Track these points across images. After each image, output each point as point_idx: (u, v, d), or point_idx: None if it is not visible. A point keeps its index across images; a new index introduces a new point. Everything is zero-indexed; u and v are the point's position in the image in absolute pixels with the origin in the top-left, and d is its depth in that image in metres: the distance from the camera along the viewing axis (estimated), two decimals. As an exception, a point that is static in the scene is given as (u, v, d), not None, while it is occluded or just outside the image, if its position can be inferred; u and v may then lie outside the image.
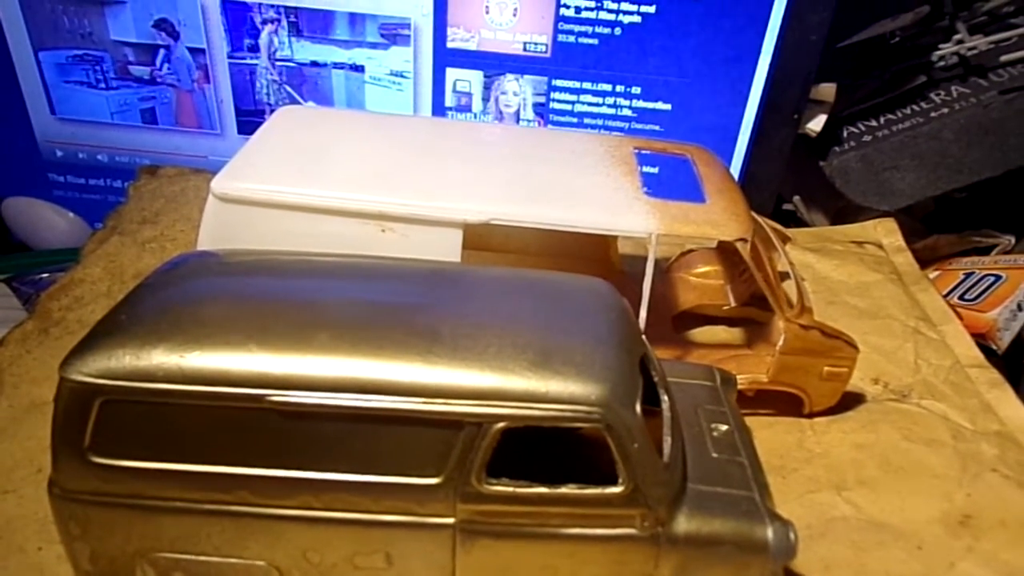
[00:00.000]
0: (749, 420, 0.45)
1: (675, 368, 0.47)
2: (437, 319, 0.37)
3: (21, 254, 0.81)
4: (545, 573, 0.37)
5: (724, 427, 0.43)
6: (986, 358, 0.62)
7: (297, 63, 0.77)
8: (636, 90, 0.77)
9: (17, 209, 0.83)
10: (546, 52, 0.75)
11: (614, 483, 0.36)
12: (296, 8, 0.74)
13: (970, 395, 0.58)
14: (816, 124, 0.80)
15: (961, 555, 0.45)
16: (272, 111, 0.66)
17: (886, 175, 0.80)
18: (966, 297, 0.74)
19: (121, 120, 0.80)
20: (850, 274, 0.72)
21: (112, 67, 0.77)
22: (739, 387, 0.50)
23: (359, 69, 0.77)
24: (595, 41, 0.74)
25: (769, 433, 0.53)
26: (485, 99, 0.78)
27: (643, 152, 0.58)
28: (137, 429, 0.35)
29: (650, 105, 0.77)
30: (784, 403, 0.55)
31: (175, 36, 0.75)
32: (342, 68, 0.77)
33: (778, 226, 0.69)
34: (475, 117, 0.79)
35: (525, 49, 0.75)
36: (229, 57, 0.77)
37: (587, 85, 0.77)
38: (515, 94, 0.77)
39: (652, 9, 0.72)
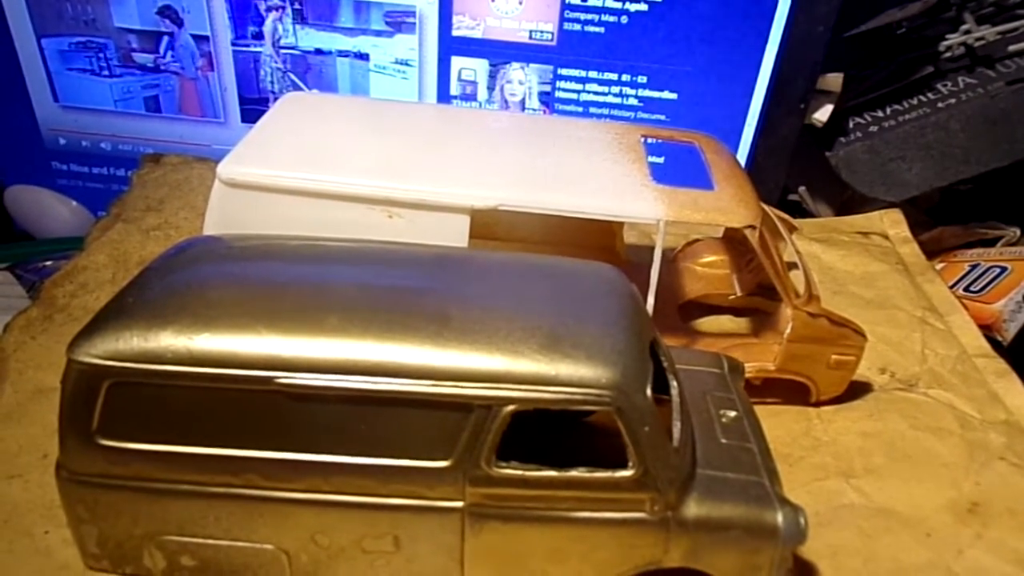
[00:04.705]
0: (756, 409, 0.44)
1: (683, 355, 0.47)
2: (446, 302, 0.37)
3: (24, 242, 0.81)
4: (554, 557, 0.37)
5: (733, 413, 0.43)
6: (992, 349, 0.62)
7: (301, 51, 0.76)
8: (642, 79, 0.76)
9: (20, 197, 0.83)
10: (552, 40, 0.75)
11: (624, 467, 0.35)
12: (301, -5, 0.73)
13: (977, 385, 0.58)
14: (822, 114, 0.80)
15: (969, 542, 0.45)
16: (276, 99, 0.66)
17: (892, 166, 0.80)
18: (971, 289, 0.74)
19: (124, 108, 0.79)
20: (856, 264, 0.72)
21: (116, 54, 0.77)
22: (746, 375, 0.50)
23: (364, 57, 0.76)
24: (601, 29, 0.74)
25: (776, 421, 0.53)
26: (490, 88, 0.77)
27: (650, 140, 0.58)
28: (145, 411, 0.35)
29: (656, 94, 0.77)
30: (791, 392, 0.55)
31: (179, 23, 0.75)
32: (347, 56, 0.76)
33: (785, 215, 0.69)
34: (480, 106, 0.78)
35: (531, 37, 0.75)
36: (233, 44, 0.76)
37: (593, 74, 0.76)
38: (520, 83, 0.77)
39: (658, -3, 0.72)
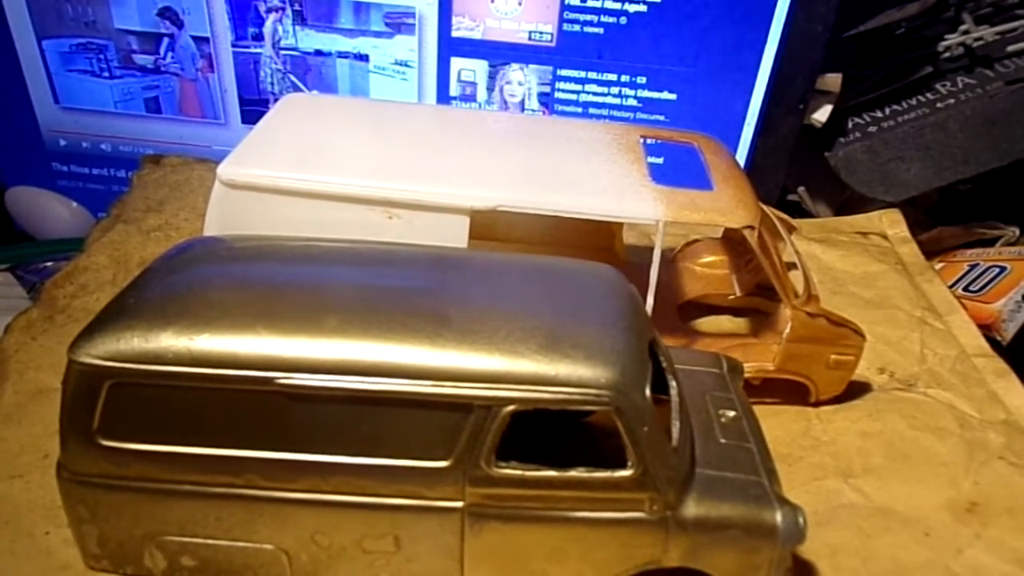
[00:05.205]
0: (755, 409, 0.45)
1: (682, 355, 0.47)
2: (446, 303, 0.37)
3: (25, 243, 0.81)
4: (554, 557, 0.37)
5: (732, 413, 0.43)
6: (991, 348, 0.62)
7: (301, 52, 0.77)
8: (641, 80, 0.76)
9: (21, 199, 0.83)
10: (551, 41, 0.75)
11: (623, 467, 0.36)
12: (300, -3, 0.74)
13: (976, 384, 0.58)
14: (821, 115, 0.80)
15: (968, 541, 0.45)
16: (276, 100, 0.66)
17: (891, 166, 0.80)
18: (971, 288, 0.74)
19: (125, 109, 0.79)
20: (855, 264, 0.72)
21: (116, 56, 0.77)
22: (745, 375, 0.50)
23: (363, 58, 0.77)
24: (600, 30, 0.74)
25: (775, 421, 0.53)
26: (490, 89, 0.78)
27: (649, 140, 0.58)
28: (146, 412, 0.35)
29: (655, 95, 0.77)
30: (790, 392, 0.55)
31: (179, 24, 0.75)
32: (346, 57, 0.77)
33: (784, 216, 0.69)
34: (479, 107, 0.78)
35: (530, 38, 0.75)
36: (233, 46, 0.76)
37: (592, 75, 0.76)
38: (520, 84, 0.77)
39: (658, -2, 0.72)
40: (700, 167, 0.56)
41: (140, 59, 0.77)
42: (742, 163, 0.79)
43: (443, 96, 0.78)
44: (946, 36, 0.84)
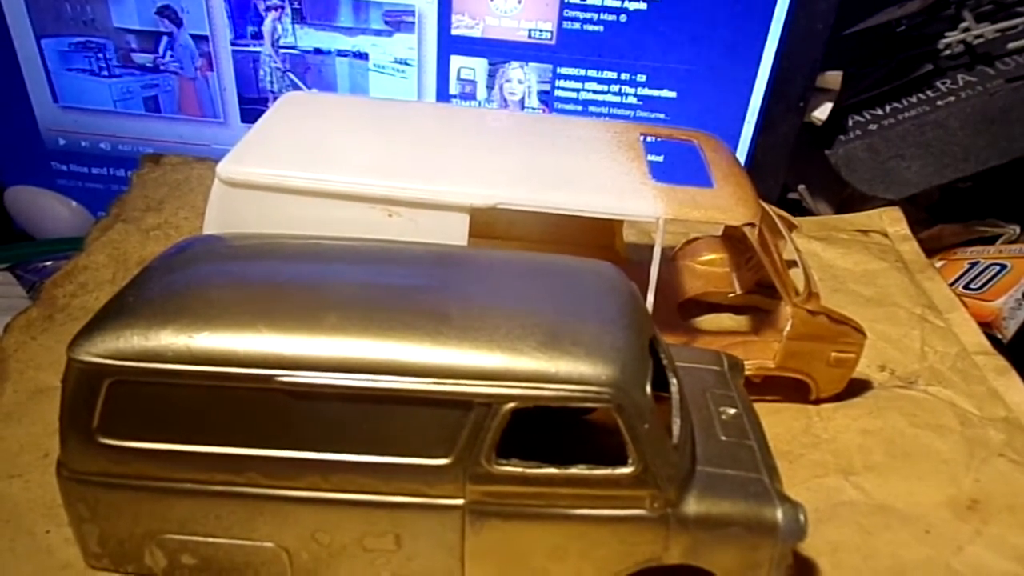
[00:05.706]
0: (756, 406, 0.45)
1: (683, 353, 0.47)
2: (446, 300, 0.37)
3: (24, 243, 0.81)
4: (554, 554, 0.37)
5: (732, 410, 0.43)
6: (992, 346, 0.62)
7: (301, 50, 0.77)
8: (641, 78, 0.76)
9: (20, 198, 0.83)
10: (551, 39, 0.75)
11: (624, 464, 0.35)
12: (300, -5, 0.73)
13: (977, 382, 0.58)
14: (822, 113, 0.80)
15: (969, 539, 0.45)
16: (275, 99, 0.66)
17: (892, 164, 0.80)
18: (971, 286, 0.74)
19: (124, 108, 0.79)
20: (856, 262, 0.72)
21: (115, 54, 0.77)
22: (746, 373, 0.50)
23: (363, 57, 0.77)
24: (600, 28, 0.74)
25: (776, 419, 0.53)
26: (489, 87, 0.77)
27: (650, 138, 0.58)
28: (146, 410, 0.35)
29: (655, 93, 0.77)
30: (790, 390, 0.55)
31: (178, 23, 0.75)
32: (346, 56, 0.77)
33: (784, 213, 0.69)
34: (479, 105, 0.78)
35: (530, 36, 0.75)
36: (232, 44, 0.76)
37: (592, 73, 0.76)
38: (520, 82, 0.77)
39: (657, -4, 0.72)
40: (700, 165, 0.56)
41: (139, 58, 0.77)
42: (742, 161, 0.79)
43: (443, 94, 0.78)
44: (946, 34, 0.84)
